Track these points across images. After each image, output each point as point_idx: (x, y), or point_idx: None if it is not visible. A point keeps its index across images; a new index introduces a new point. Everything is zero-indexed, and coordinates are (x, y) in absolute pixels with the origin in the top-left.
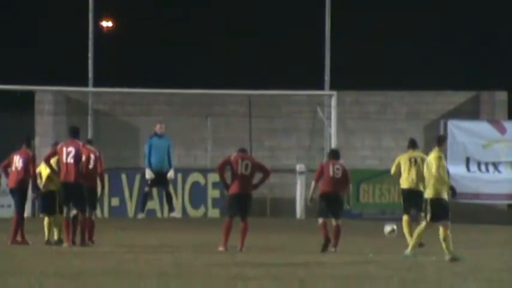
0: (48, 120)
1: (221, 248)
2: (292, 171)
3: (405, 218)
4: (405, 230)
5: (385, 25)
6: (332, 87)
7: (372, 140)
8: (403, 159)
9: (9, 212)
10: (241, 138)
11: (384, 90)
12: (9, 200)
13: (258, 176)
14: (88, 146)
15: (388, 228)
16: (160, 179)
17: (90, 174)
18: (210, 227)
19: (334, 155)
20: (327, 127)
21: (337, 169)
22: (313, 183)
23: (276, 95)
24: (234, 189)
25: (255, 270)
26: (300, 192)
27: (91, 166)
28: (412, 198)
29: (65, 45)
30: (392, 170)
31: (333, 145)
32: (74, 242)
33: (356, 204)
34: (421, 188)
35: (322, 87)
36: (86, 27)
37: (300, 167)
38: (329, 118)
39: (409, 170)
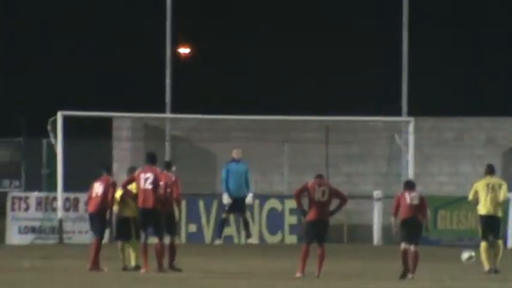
0: (126, 146)
1: (298, 274)
2: (369, 197)
3: (483, 244)
4: (483, 256)
5: (462, 50)
6: (409, 114)
7: (449, 166)
8: (480, 186)
9: (87, 238)
10: (318, 164)
11: (461, 116)
12: (87, 226)
13: (335, 203)
14: (165, 172)
15: (465, 255)
16: (237, 205)
17: (167, 199)
18: (287, 253)
19: (410, 185)
20: (404, 153)
21: (414, 197)
22: (392, 218)
23: (353, 121)
24: (311, 215)
25: None
26: (377, 218)
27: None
28: (490, 224)
29: (143, 72)
30: (470, 196)
31: (410, 171)
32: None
33: (433, 231)
34: (499, 214)
35: (399, 114)
36: (163, 54)
37: (377, 193)
38: (406, 144)
39: (486, 196)
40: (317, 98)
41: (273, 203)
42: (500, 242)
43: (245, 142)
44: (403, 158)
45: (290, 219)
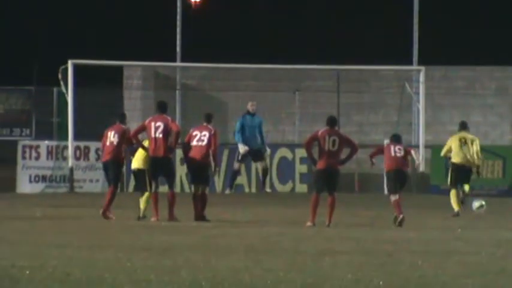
0: (137, 95)
1: (309, 223)
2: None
3: (453, 190)
4: (453, 200)
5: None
6: (420, 63)
7: (460, 115)
8: (453, 141)
9: (98, 187)
10: (329, 113)
11: (472, 65)
12: (98, 175)
13: (346, 151)
14: (205, 124)
15: (476, 203)
16: (253, 154)
17: (205, 150)
18: (297, 202)
19: (396, 139)
20: (414, 102)
21: (399, 149)
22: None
23: (364, 70)
24: (321, 164)
25: (343, 245)
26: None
27: (204, 143)
28: (461, 173)
29: (153, 21)
30: (442, 153)
31: (421, 120)
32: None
33: (444, 180)
34: (470, 165)
35: (410, 63)
36: (174, 2)
37: (388, 142)
38: (417, 93)
39: (460, 148)
40: (328, 46)
41: (284, 152)
42: (467, 187)
43: (256, 91)
44: (413, 106)
45: (301, 168)
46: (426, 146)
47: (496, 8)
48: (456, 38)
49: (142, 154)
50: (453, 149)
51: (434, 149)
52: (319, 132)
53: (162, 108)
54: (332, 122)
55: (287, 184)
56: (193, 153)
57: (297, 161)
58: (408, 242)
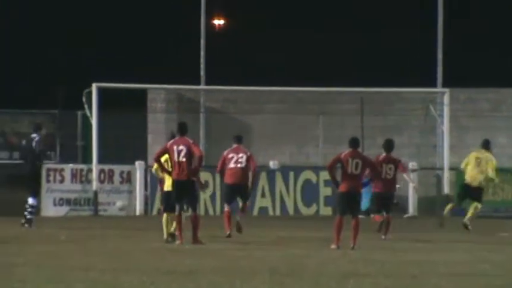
0: (161, 118)
1: (333, 246)
2: None
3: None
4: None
5: (497, 20)
6: (444, 85)
7: (485, 137)
8: (471, 157)
9: (122, 211)
10: (353, 135)
11: (496, 88)
12: (122, 198)
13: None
14: (238, 145)
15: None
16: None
17: (243, 172)
18: (322, 225)
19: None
20: (439, 124)
21: (390, 169)
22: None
23: (388, 92)
24: (343, 187)
25: (367, 268)
26: (412, 190)
27: (243, 165)
28: (467, 192)
29: (177, 43)
30: (462, 165)
31: (445, 143)
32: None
33: (469, 202)
34: (480, 185)
35: (434, 85)
36: (198, 26)
37: (412, 164)
38: (441, 115)
39: (473, 168)
40: (352, 69)
41: (308, 174)
42: (475, 204)
43: (280, 113)
44: (438, 129)
45: (325, 191)
46: (451, 169)
47: None
48: (480, 60)
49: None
50: (468, 167)
51: (459, 171)
52: (342, 155)
53: (183, 130)
54: (354, 143)
55: (311, 207)
56: (231, 175)
57: (321, 183)
58: (433, 264)
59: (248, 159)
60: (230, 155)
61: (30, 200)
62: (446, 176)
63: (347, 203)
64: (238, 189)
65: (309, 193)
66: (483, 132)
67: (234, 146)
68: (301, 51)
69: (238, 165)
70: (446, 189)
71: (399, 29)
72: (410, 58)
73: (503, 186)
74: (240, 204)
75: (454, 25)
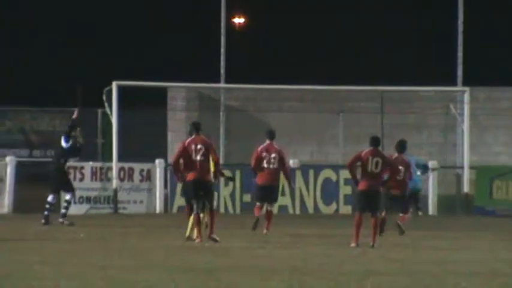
0: (181, 116)
1: (353, 244)
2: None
3: None
4: None
5: None
6: (464, 83)
7: (505, 136)
8: None
9: (142, 208)
10: (373, 134)
11: None
12: (142, 196)
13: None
14: (271, 142)
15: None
16: None
17: (276, 173)
18: (341, 223)
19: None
20: (459, 123)
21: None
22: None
23: (408, 91)
24: (362, 185)
25: (387, 266)
26: (433, 188)
27: (275, 165)
28: None
29: (198, 42)
30: None
31: (466, 141)
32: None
33: (489, 201)
34: None
35: (454, 83)
36: (218, 24)
37: (432, 163)
38: (462, 114)
39: None
40: (373, 67)
41: (328, 173)
42: None
43: (300, 112)
44: (458, 128)
45: (345, 190)
46: (471, 167)
47: None
48: (500, 58)
49: None
50: None
51: (479, 170)
52: (363, 153)
53: (198, 128)
54: (375, 142)
55: (331, 205)
56: (262, 176)
57: (341, 182)
58: (453, 263)
59: (280, 160)
60: (263, 154)
61: (49, 198)
62: (466, 174)
63: (366, 202)
64: (269, 190)
65: (329, 191)
66: (503, 130)
67: (267, 142)
68: (320, 49)
69: (271, 166)
70: (466, 188)
71: (419, 27)
72: (431, 56)
73: None
74: (267, 207)
75: (474, 23)
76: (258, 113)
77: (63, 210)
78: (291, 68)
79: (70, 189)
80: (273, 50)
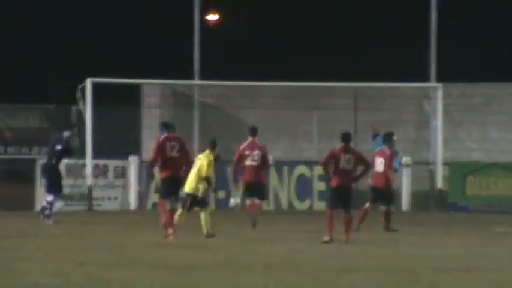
0: (156, 113)
1: (326, 238)
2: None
3: None
4: None
5: (490, 15)
6: (438, 80)
7: (478, 132)
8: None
9: (116, 205)
10: (344, 130)
11: (490, 82)
12: (116, 193)
13: (360, 168)
14: (253, 139)
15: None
16: None
17: (258, 170)
18: (315, 219)
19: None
20: (432, 119)
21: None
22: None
23: (381, 87)
24: (334, 182)
25: (362, 262)
26: (406, 185)
27: (259, 163)
28: None
29: (171, 39)
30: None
31: (439, 137)
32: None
33: (462, 197)
34: None
35: (428, 80)
36: (191, 21)
37: (405, 159)
38: (435, 110)
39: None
40: (346, 64)
41: (302, 169)
42: None
43: (274, 108)
44: (432, 124)
45: (319, 186)
46: (444, 163)
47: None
48: (474, 55)
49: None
50: None
51: (452, 166)
52: (335, 150)
53: (169, 127)
54: (346, 138)
55: (305, 201)
56: (247, 173)
57: (315, 178)
58: (427, 259)
59: (263, 157)
60: (246, 152)
61: (48, 198)
62: (440, 170)
63: (338, 198)
64: (257, 187)
65: (303, 188)
66: (476, 126)
67: (249, 139)
68: (294, 46)
69: (254, 163)
70: (439, 184)
71: (392, 23)
72: (404, 53)
73: (496, 180)
74: (256, 201)
75: (446, 20)
76: (233, 110)
77: (47, 212)
78: (265, 64)
79: (56, 190)
80: (247, 47)
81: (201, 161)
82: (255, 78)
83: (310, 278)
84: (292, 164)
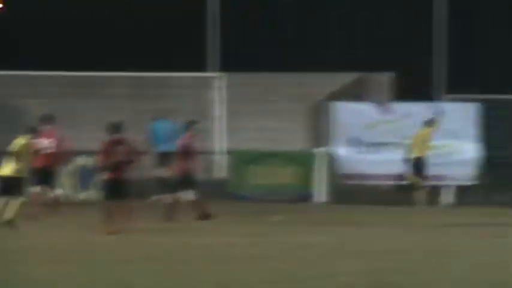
0: None
1: (107, 232)
2: None
3: None
4: None
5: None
6: (221, 69)
7: (258, 121)
8: None
9: None
10: (125, 120)
11: (269, 72)
12: None
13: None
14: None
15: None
16: None
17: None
18: (94, 210)
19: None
20: (214, 109)
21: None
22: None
23: (161, 77)
24: (108, 174)
25: (138, 253)
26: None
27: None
28: None
29: None
30: None
31: (218, 127)
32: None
33: (244, 186)
34: None
35: (211, 69)
36: None
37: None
38: (216, 100)
39: None
40: (126, 52)
41: (83, 160)
42: None
43: (55, 98)
44: (213, 113)
45: (100, 177)
46: (225, 153)
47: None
48: (256, 45)
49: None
50: None
51: (233, 155)
52: (107, 141)
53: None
54: (116, 128)
55: (86, 192)
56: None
57: (94, 168)
58: (205, 248)
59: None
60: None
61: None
62: (221, 160)
63: (114, 189)
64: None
65: (84, 178)
66: (256, 116)
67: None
68: (76, 34)
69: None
70: (220, 173)
71: (171, 14)
72: (186, 42)
73: (276, 170)
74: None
75: (227, 12)
76: (13, 100)
77: None
78: (45, 52)
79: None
80: (28, 35)
81: None
82: (36, 67)
83: (86, 270)
84: (74, 155)
